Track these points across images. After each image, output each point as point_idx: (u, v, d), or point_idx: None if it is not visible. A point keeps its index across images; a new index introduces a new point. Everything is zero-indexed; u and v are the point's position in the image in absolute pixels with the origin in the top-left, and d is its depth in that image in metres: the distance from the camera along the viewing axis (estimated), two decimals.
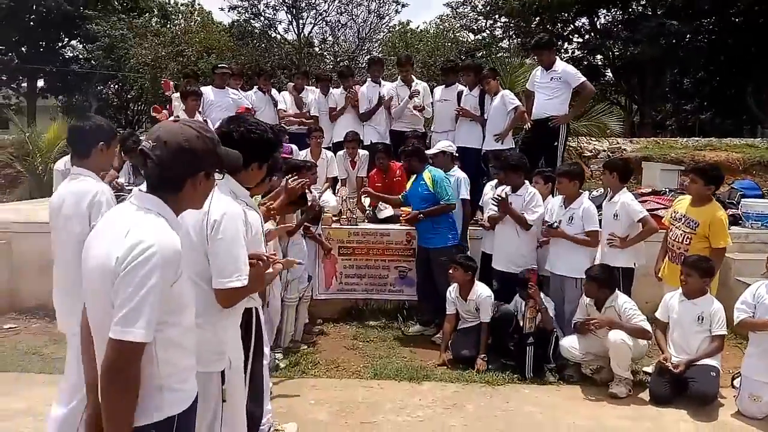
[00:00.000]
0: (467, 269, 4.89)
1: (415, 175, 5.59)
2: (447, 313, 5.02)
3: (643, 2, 22.76)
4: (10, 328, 5.73)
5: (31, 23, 24.84)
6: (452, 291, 5.00)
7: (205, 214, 2.25)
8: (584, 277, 4.75)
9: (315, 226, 5.38)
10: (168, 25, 20.02)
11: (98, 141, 3.11)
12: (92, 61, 24.84)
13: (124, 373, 1.61)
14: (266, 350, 3.04)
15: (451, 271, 4.91)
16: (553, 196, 5.53)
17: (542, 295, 4.79)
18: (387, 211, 6.20)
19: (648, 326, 4.43)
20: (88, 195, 3.03)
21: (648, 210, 5.18)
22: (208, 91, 7.43)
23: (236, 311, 2.44)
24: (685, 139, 14.81)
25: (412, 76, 7.32)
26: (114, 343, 1.61)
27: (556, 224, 4.93)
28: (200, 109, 7.11)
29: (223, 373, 2.36)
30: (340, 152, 6.95)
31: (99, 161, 3.16)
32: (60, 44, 27.48)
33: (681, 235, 4.73)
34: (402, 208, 5.98)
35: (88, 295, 1.78)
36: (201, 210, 2.18)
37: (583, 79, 6.39)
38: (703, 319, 4.28)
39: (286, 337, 5.01)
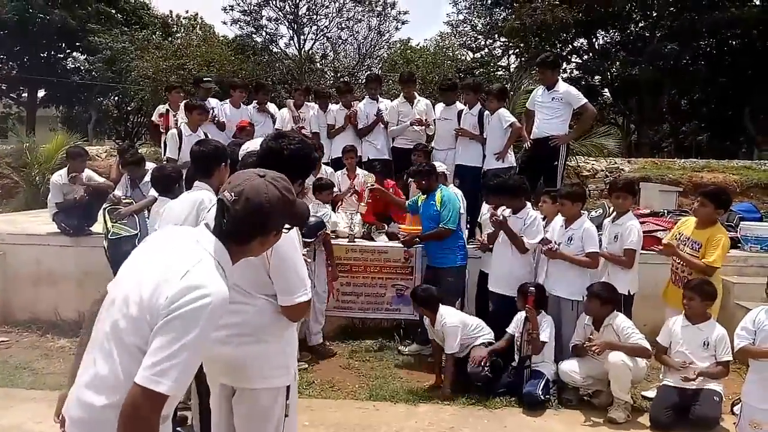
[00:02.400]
0: (421, 303, 4.85)
1: (426, 195, 5.53)
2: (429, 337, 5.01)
3: (642, 24, 23.00)
4: (1, 341, 5.66)
5: (34, 34, 24.94)
6: (426, 319, 4.96)
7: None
8: (581, 299, 4.72)
9: (315, 239, 5.26)
10: (170, 39, 20.12)
11: (219, 162, 3.36)
12: (93, 73, 24.91)
13: (148, 422, 1.51)
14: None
15: (412, 305, 4.98)
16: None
17: (543, 313, 4.75)
18: (383, 237, 6.27)
19: (647, 344, 4.39)
20: (198, 199, 3.24)
21: (646, 231, 5.16)
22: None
23: (295, 326, 2.47)
24: (682, 160, 14.84)
25: (415, 93, 7.35)
26: (141, 389, 1.49)
27: (555, 247, 4.88)
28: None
29: (288, 387, 2.35)
30: (340, 171, 6.93)
31: (220, 178, 3.36)
32: (62, 55, 27.59)
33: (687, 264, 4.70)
34: (401, 227, 5.94)
35: (115, 309, 1.65)
36: None
37: (585, 100, 6.41)
38: (708, 345, 4.24)
39: None
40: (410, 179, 6.67)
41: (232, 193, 1.72)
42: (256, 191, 1.74)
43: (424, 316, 4.94)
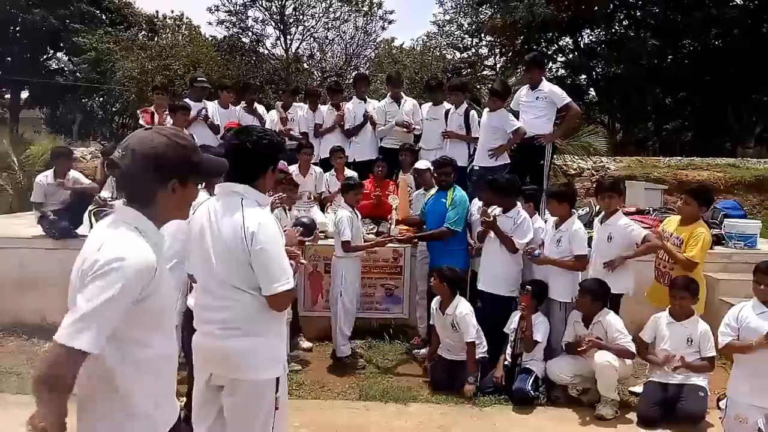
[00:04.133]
0: (443, 280, 4.76)
1: (435, 191, 5.49)
2: (430, 322, 4.99)
3: (626, 23, 23.21)
4: None
5: (17, 35, 24.63)
6: (435, 302, 4.93)
7: (240, 227, 2.31)
8: (569, 301, 4.75)
9: (309, 238, 5.17)
10: (155, 39, 19.96)
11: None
12: (78, 74, 24.66)
13: (62, 381, 1.56)
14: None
15: (432, 281, 4.85)
16: (540, 215, 5.52)
17: (539, 314, 4.78)
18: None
19: (633, 347, 4.43)
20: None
21: None
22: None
23: (283, 318, 2.51)
24: (667, 159, 15.00)
25: (402, 93, 7.36)
26: (59, 346, 1.55)
27: (538, 252, 4.87)
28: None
29: (278, 380, 2.40)
30: (329, 173, 6.92)
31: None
32: (45, 56, 27.27)
33: (669, 256, 4.75)
34: (400, 227, 5.89)
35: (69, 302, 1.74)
36: (236, 222, 2.29)
37: (569, 99, 6.43)
38: (692, 342, 4.29)
39: None
40: (401, 175, 6.69)
41: (119, 150, 1.72)
42: (140, 141, 1.73)
43: (433, 302, 4.90)
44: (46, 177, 6.16)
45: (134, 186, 1.74)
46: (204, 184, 3.71)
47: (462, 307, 4.73)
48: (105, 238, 1.67)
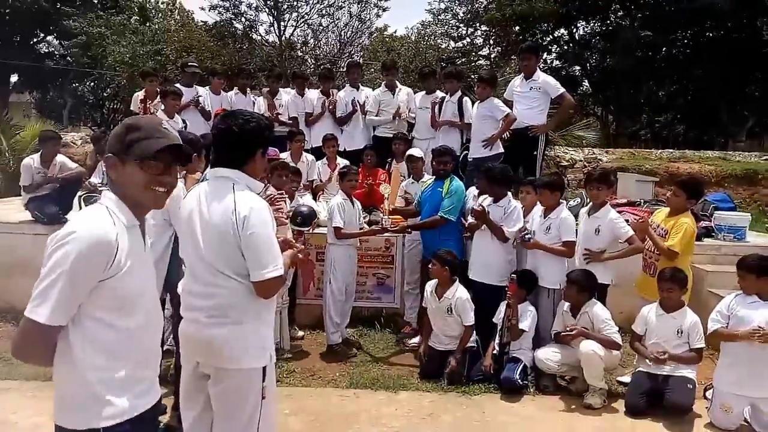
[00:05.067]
0: (445, 264, 4.74)
1: (431, 180, 5.47)
2: (424, 305, 5.00)
3: (621, 14, 23.17)
4: None
5: (6, 17, 24.27)
6: (429, 287, 4.91)
7: (232, 212, 2.28)
8: (557, 288, 4.78)
9: (306, 228, 5.12)
10: (147, 24, 19.73)
11: (192, 153, 3.35)
12: (68, 58, 24.36)
13: (29, 351, 1.69)
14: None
15: (430, 265, 4.84)
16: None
17: (528, 303, 4.80)
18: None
19: (618, 338, 4.45)
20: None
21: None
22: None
23: (272, 307, 2.49)
24: (659, 151, 15.06)
25: (396, 82, 7.32)
26: (24, 320, 1.64)
27: (529, 236, 4.91)
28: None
29: (265, 369, 2.38)
30: (320, 160, 6.88)
31: (194, 167, 3.52)
32: (35, 40, 26.90)
33: (653, 245, 4.78)
34: (393, 217, 5.87)
35: None
36: (227, 207, 2.27)
37: (563, 90, 6.43)
38: (682, 333, 4.33)
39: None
40: (394, 164, 6.67)
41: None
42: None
43: (427, 286, 4.90)
44: (32, 160, 6.10)
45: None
46: (184, 173, 3.69)
47: (461, 292, 4.75)
48: (72, 217, 1.72)
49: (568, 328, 4.52)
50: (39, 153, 6.14)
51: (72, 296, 1.63)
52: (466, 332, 4.74)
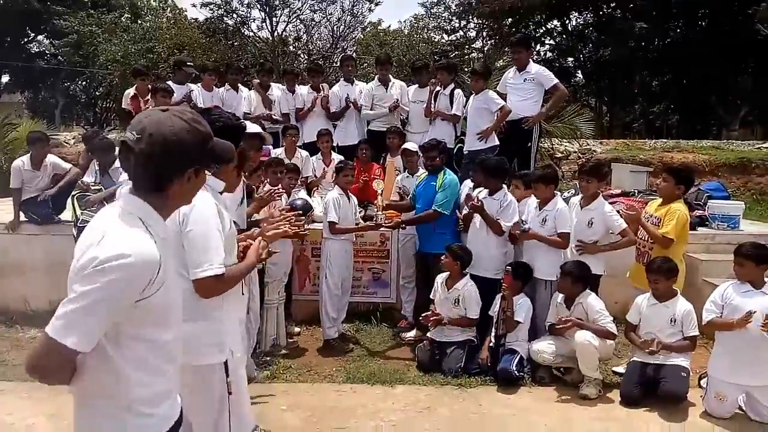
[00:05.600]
0: (456, 258, 4.85)
1: (425, 175, 5.47)
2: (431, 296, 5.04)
3: (613, 4, 23.15)
4: None
5: None
6: (440, 278, 4.98)
7: (178, 210, 2.19)
8: (554, 279, 4.79)
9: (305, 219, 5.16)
10: (139, 22, 19.63)
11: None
12: (59, 57, 24.25)
13: (50, 372, 1.52)
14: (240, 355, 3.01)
15: (443, 257, 4.89)
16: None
17: (523, 295, 4.82)
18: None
19: (613, 328, 4.47)
20: None
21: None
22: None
23: (233, 302, 2.46)
24: (653, 141, 15.09)
25: (390, 76, 7.29)
26: (47, 338, 1.46)
27: (526, 227, 4.94)
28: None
29: (226, 364, 2.36)
30: (315, 156, 6.86)
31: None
32: (26, 39, 26.74)
33: (647, 234, 4.79)
34: (387, 212, 5.85)
35: None
36: None
37: (556, 81, 6.43)
38: (675, 321, 4.34)
39: (267, 341, 4.94)
40: (389, 158, 6.65)
41: (134, 132, 1.57)
42: (158, 124, 1.59)
43: (438, 278, 4.96)
44: (22, 162, 6.05)
45: (148, 173, 1.60)
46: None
47: (471, 285, 4.86)
48: (107, 230, 1.54)
49: (562, 320, 4.53)
50: (29, 155, 6.10)
51: (109, 321, 1.52)
52: (467, 321, 4.81)
